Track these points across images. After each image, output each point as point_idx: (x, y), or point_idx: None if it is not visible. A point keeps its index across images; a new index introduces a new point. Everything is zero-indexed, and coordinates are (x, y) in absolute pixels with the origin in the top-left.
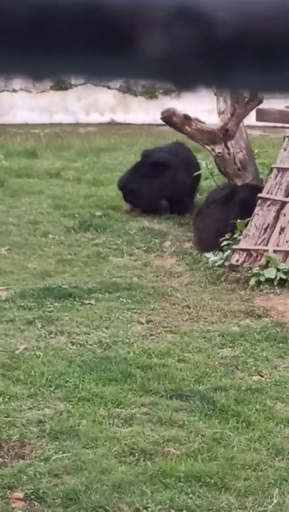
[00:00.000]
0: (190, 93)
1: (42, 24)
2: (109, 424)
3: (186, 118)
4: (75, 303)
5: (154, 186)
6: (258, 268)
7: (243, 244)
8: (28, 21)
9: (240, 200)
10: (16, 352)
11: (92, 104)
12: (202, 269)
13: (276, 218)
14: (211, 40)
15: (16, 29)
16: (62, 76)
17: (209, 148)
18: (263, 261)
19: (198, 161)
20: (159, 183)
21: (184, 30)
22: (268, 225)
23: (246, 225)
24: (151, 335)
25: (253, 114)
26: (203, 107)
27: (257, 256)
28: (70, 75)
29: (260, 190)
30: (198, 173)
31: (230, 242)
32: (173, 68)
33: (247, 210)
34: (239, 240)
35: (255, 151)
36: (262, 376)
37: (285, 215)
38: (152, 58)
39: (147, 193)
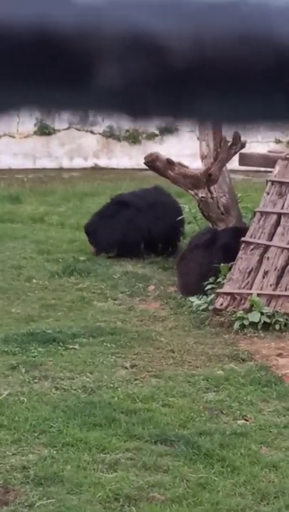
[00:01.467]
0: (145, 123)
1: None
2: (94, 469)
3: (169, 162)
4: (59, 348)
5: (110, 226)
6: (242, 312)
7: (227, 288)
8: None
9: (222, 244)
10: (0, 397)
11: (76, 149)
12: (186, 313)
13: (260, 262)
14: (166, 69)
15: None
16: (13, 109)
17: (192, 192)
18: (247, 305)
19: (181, 205)
20: (115, 223)
21: (138, 59)
22: (252, 268)
23: (230, 269)
24: (136, 379)
25: (235, 158)
26: (187, 152)
27: (241, 300)
28: (22, 107)
29: (242, 231)
30: (180, 217)
31: (214, 285)
32: (127, 99)
33: (230, 254)
34: (223, 283)
35: (239, 195)
36: (247, 420)
37: (268, 258)
38: (106, 89)
39: (103, 233)
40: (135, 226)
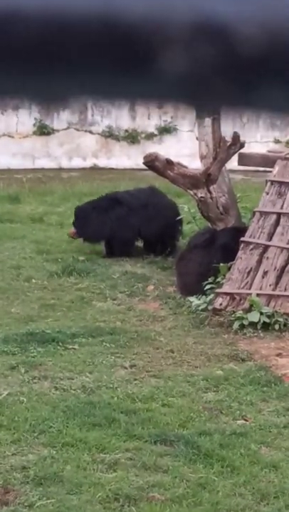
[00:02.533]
0: (211, 116)
1: (56, 42)
2: (94, 469)
3: (169, 163)
4: (59, 348)
5: (100, 219)
6: (241, 312)
7: (226, 288)
8: (42, 41)
9: (221, 244)
10: (0, 397)
11: (75, 149)
12: (185, 313)
13: (259, 262)
14: (234, 57)
15: (30, 49)
16: (80, 98)
17: (192, 192)
18: (247, 304)
19: (181, 205)
20: (106, 217)
21: (205, 46)
22: (251, 268)
23: (229, 269)
24: (135, 379)
25: (234, 158)
26: (185, 151)
27: (240, 300)
28: (88, 97)
29: (240, 231)
30: (179, 218)
31: (213, 285)
32: (194, 88)
33: (229, 253)
34: (222, 283)
35: (238, 195)
36: (246, 420)
37: (267, 258)
38: (172, 77)
39: (91, 223)
40: (125, 225)
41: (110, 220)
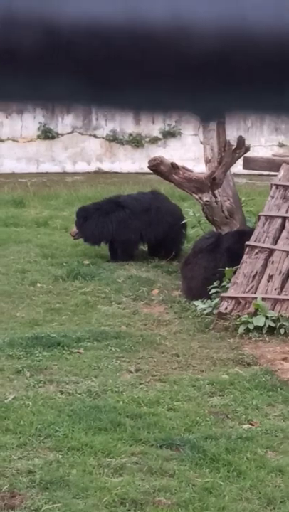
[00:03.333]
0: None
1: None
2: (100, 473)
3: (174, 166)
4: (64, 352)
5: (101, 221)
6: (246, 316)
7: (231, 292)
8: (212, 57)
9: (226, 248)
10: (5, 401)
11: (79, 153)
12: (191, 317)
13: (264, 266)
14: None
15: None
16: (249, 113)
17: (197, 196)
18: (252, 309)
19: (185, 209)
20: (107, 221)
21: None
22: (256, 272)
23: (234, 273)
24: (141, 383)
25: (238, 162)
26: (190, 155)
27: (245, 304)
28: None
29: (245, 235)
30: (183, 222)
31: (218, 290)
32: None
33: (234, 257)
34: (227, 287)
35: (242, 199)
36: (252, 425)
37: (273, 262)
38: None
39: (93, 224)
40: (126, 227)
41: (111, 222)
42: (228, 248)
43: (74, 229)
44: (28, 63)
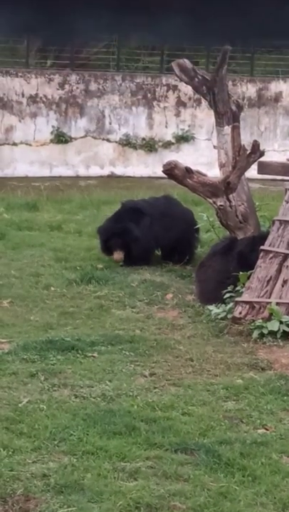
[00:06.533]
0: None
1: None
2: (114, 478)
3: (188, 171)
4: (78, 355)
5: (147, 233)
6: (260, 321)
7: (245, 297)
8: None
9: (237, 252)
10: (20, 405)
11: (92, 157)
12: (205, 321)
13: (279, 271)
14: None
15: None
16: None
17: (211, 201)
18: (266, 313)
19: (199, 213)
20: (151, 231)
21: None
22: (271, 277)
23: (249, 278)
24: (155, 388)
25: (252, 167)
26: (203, 160)
27: (260, 308)
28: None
29: (259, 240)
30: (196, 227)
31: (232, 294)
32: None
33: (244, 261)
34: (242, 292)
35: (256, 203)
36: (267, 429)
37: (287, 267)
38: None
39: (143, 240)
40: (147, 234)
41: (152, 230)
42: (240, 252)
43: (116, 255)
44: None
